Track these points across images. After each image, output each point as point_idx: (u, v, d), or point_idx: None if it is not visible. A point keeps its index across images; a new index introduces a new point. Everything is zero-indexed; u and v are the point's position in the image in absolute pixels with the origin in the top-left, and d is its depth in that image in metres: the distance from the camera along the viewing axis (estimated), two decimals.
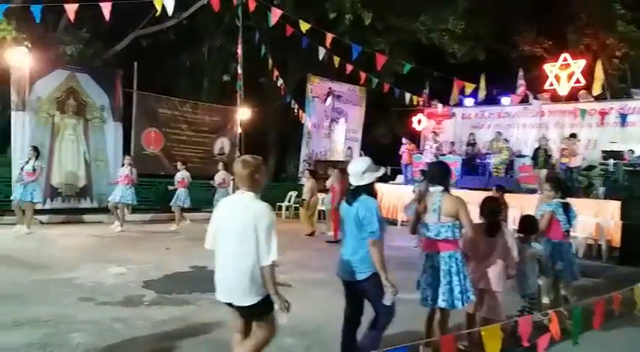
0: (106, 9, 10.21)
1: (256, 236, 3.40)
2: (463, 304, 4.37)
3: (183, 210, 12.80)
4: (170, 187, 12.96)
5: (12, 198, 10.98)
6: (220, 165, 13.63)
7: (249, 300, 3.45)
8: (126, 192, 11.84)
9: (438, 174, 4.63)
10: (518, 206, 11.15)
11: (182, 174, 12.83)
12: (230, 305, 3.58)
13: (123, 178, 11.93)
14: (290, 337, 5.02)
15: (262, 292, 3.46)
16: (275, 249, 3.43)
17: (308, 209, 13.04)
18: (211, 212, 3.81)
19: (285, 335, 5.12)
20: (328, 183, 12.94)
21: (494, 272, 4.77)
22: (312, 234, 12.66)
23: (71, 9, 10.38)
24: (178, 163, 13.17)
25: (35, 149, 11.23)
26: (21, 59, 12.11)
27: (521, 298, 5.48)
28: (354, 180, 4.07)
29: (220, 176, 13.38)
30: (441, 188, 4.46)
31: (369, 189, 4.08)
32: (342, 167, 13.35)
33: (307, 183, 13.24)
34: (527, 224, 5.55)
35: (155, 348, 4.80)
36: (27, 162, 11.02)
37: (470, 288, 4.39)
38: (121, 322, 5.37)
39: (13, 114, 12.49)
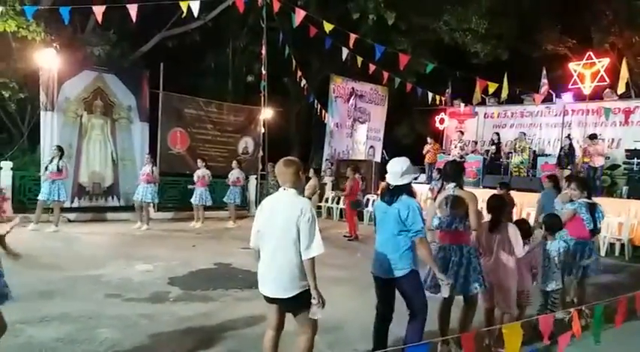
0: (133, 10, 10.38)
1: (298, 230, 3.53)
2: (471, 292, 4.61)
3: (205, 208, 12.97)
4: (190, 186, 13.12)
5: (38, 197, 11.10)
6: (234, 164, 13.77)
7: (292, 292, 3.56)
8: (147, 190, 12.01)
9: (451, 171, 4.88)
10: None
11: (202, 172, 12.99)
12: (271, 300, 3.70)
13: (144, 177, 12.12)
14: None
15: (304, 284, 3.58)
16: (318, 243, 3.55)
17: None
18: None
19: None
20: (348, 183, 12.96)
21: (503, 267, 4.88)
22: None
23: (99, 10, 10.57)
24: (198, 161, 13.32)
25: (59, 148, 11.37)
26: (50, 60, 12.38)
27: (542, 295, 5.49)
28: (393, 180, 4.18)
29: (235, 174, 13.51)
30: (454, 184, 4.73)
31: (408, 189, 4.21)
32: (354, 166, 13.44)
33: (311, 180, 13.24)
34: (552, 222, 5.58)
35: (180, 344, 4.90)
36: (51, 162, 11.18)
37: (477, 279, 4.59)
38: (147, 318, 5.50)
39: (42, 114, 12.78)
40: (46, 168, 11.17)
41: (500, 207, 5.11)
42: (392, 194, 4.18)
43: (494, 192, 8.01)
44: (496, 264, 4.90)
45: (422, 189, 15.29)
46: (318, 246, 3.54)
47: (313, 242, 3.53)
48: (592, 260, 6.00)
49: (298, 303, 3.60)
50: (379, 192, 4.44)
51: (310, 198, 12.93)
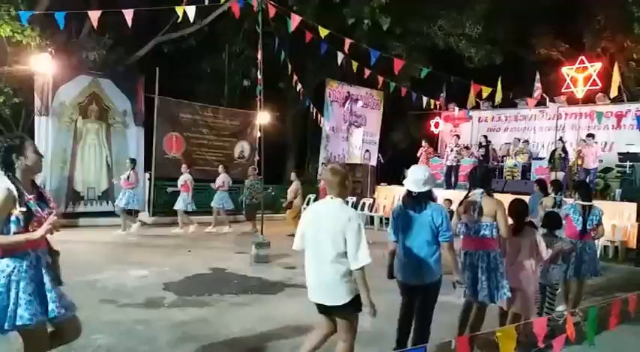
0: (129, 15, 10.35)
1: (346, 240, 3.55)
2: (498, 299, 4.66)
3: (187, 212, 13.01)
4: (170, 189, 13.08)
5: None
6: (220, 168, 13.67)
7: (342, 300, 3.60)
8: (124, 195, 12.04)
9: (479, 177, 4.90)
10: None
11: (185, 177, 12.97)
12: (320, 306, 3.74)
13: (125, 183, 12.11)
14: None
15: (353, 291, 3.61)
16: (365, 253, 3.55)
17: (292, 210, 13.10)
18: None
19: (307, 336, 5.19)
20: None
21: (524, 270, 4.93)
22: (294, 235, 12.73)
23: (94, 15, 10.55)
24: (183, 166, 13.29)
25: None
26: (44, 65, 12.33)
27: (540, 290, 5.56)
28: (416, 187, 4.23)
29: (221, 179, 13.45)
30: (481, 190, 4.75)
31: (431, 195, 4.31)
32: (315, 167, 13.62)
33: (293, 184, 13.31)
34: (551, 220, 5.78)
35: (176, 349, 4.89)
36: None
37: (505, 286, 4.63)
38: (142, 323, 5.49)
39: (36, 119, 12.77)
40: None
41: (522, 211, 5.16)
42: (418, 201, 4.24)
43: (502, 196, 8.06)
44: (518, 268, 4.94)
45: None
46: (365, 256, 3.54)
47: (360, 252, 3.54)
48: (586, 260, 6.21)
49: (345, 310, 3.64)
50: (401, 199, 4.48)
51: (292, 202, 13.03)
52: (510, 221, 5.08)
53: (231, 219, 14.00)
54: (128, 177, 12.04)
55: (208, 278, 7.87)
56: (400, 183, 14.71)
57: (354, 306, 3.62)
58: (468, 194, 4.87)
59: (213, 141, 16.33)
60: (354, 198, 16.37)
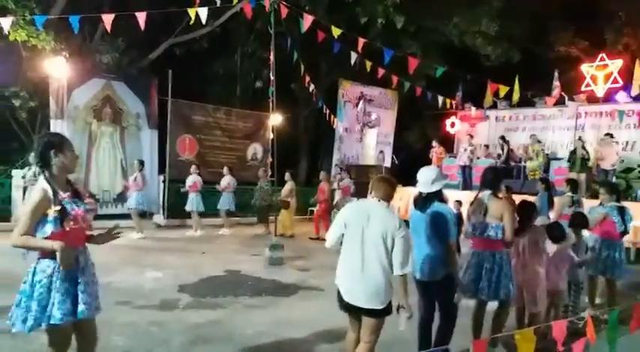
0: (141, 18, 10.37)
1: (392, 245, 3.64)
2: (501, 297, 4.73)
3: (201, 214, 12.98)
4: (182, 189, 13.05)
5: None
6: (225, 170, 13.61)
7: (382, 304, 3.66)
8: (132, 197, 11.97)
9: (489, 179, 4.97)
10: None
11: (193, 178, 12.90)
12: (356, 308, 3.74)
13: (132, 184, 12.05)
14: (326, 342, 5.04)
15: (390, 296, 3.69)
16: (411, 261, 3.69)
17: (288, 210, 13.05)
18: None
19: (321, 339, 5.13)
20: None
21: (529, 269, 5.04)
22: (292, 236, 12.82)
23: (108, 19, 10.58)
24: (192, 167, 13.22)
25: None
26: (59, 69, 12.40)
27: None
28: (425, 188, 4.36)
29: (226, 180, 13.38)
30: (489, 191, 4.82)
31: (440, 196, 4.40)
32: (328, 168, 13.66)
33: (287, 184, 13.22)
34: (579, 220, 5.94)
35: (190, 351, 4.84)
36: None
37: (507, 285, 4.68)
38: (157, 325, 5.45)
39: (52, 122, 12.81)
40: (23, 177, 11.23)
41: (529, 211, 5.22)
42: (425, 201, 4.37)
43: (523, 197, 8.05)
44: (524, 265, 5.06)
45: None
46: (410, 264, 3.69)
47: (408, 259, 3.65)
48: (621, 260, 6.35)
49: (380, 313, 3.69)
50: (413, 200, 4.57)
51: (289, 202, 12.96)
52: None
53: (245, 222, 13.96)
54: (135, 179, 11.96)
55: (223, 280, 7.82)
56: (412, 184, 14.65)
57: (387, 310, 3.70)
58: (477, 195, 4.96)
59: (226, 143, 16.32)
60: None
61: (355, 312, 3.79)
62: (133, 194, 11.91)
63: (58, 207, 3.14)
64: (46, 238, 3.12)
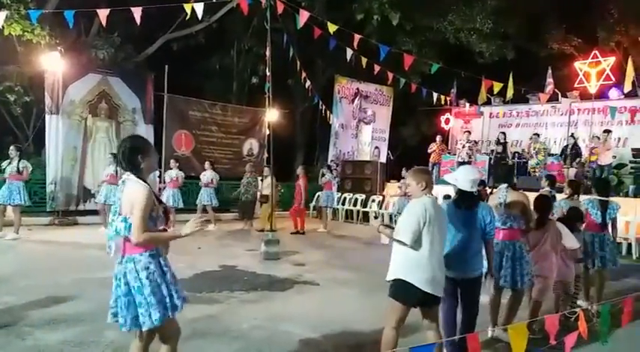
0: (137, 13, 10.36)
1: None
2: (521, 286, 5.07)
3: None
4: (161, 185, 12.96)
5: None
6: (207, 165, 13.60)
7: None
8: (110, 192, 11.19)
9: (502, 173, 5.55)
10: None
11: (175, 173, 12.91)
12: (424, 301, 3.95)
13: (108, 178, 11.60)
14: (320, 335, 5.09)
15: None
16: None
17: (269, 205, 13.01)
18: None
19: (316, 332, 5.17)
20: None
21: (546, 260, 5.29)
22: (262, 231, 12.26)
23: (103, 14, 10.57)
24: (171, 161, 13.20)
25: (18, 148, 10.63)
26: (54, 64, 12.41)
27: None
28: (469, 187, 4.47)
29: (208, 176, 13.30)
30: (506, 185, 5.24)
31: (481, 195, 4.69)
32: (306, 165, 14.26)
33: (266, 179, 12.89)
34: (574, 214, 6.13)
35: (186, 346, 4.86)
36: (9, 163, 10.34)
37: (529, 273, 5.05)
38: None
39: (47, 117, 12.83)
40: (3, 170, 10.34)
41: (545, 205, 5.51)
42: (471, 200, 4.50)
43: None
44: (541, 257, 5.29)
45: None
46: None
47: None
48: (607, 251, 6.50)
49: (438, 302, 4.05)
50: (452, 198, 4.76)
51: (269, 196, 12.93)
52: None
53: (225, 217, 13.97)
54: (117, 173, 11.19)
55: (218, 275, 7.85)
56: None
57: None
58: (493, 189, 5.28)
59: (222, 139, 16.35)
60: (364, 196, 16.37)
61: (428, 304, 4.00)
62: (112, 189, 11.13)
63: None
64: None
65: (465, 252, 4.40)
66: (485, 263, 4.58)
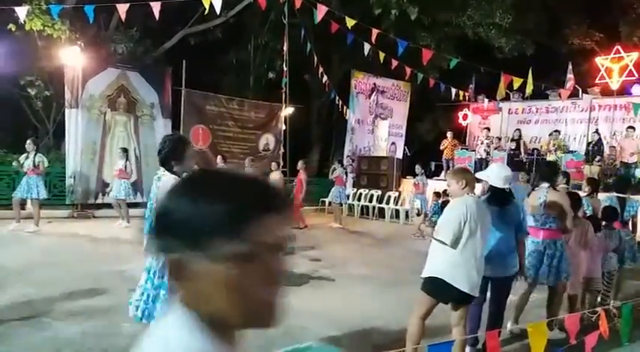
0: (156, 8, 10.44)
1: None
2: (561, 281, 5.16)
3: None
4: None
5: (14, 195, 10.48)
6: (219, 159, 13.38)
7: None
8: (120, 186, 11.64)
9: (546, 172, 5.42)
10: None
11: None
12: (460, 299, 3.96)
13: (117, 172, 11.85)
14: (336, 330, 5.08)
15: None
16: None
17: None
18: None
19: (334, 328, 5.17)
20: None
21: (575, 257, 5.44)
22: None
23: (122, 9, 10.66)
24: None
25: (35, 142, 10.68)
26: (74, 58, 12.52)
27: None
28: (502, 184, 4.50)
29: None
30: (547, 184, 5.17)
31: (512, 193, 4.65)
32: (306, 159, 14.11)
33: (273, 174, 12.98)
34: (610, 213, 6.25)
35: None
36: (27, 158, 10.31)
37: (566, 269, 5.12)
38: None
39: (66, 111, 12.95)
40: (22, 164, 10.31)
41: (575, 203, 5.50)
42: (504, 197, 4.52)
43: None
44: (571, 255, 5.35)
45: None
46: None
47: None
48: (627, 247, 6.52)
49: (472, 300, 4.05)
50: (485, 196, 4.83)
51: None
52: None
53: None
54: (125, 167, 11.73)
55: None
56: (427, 176, 14.66)
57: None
58: (533, 188, 5.27)
59: (239, 134, 16.39)
60: (379, 192, 16.32)
61: (462, 302, 4.01)
62: (122, 183, 11.66)
63: None
64: None
65: (499, 250, 4.39)
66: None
